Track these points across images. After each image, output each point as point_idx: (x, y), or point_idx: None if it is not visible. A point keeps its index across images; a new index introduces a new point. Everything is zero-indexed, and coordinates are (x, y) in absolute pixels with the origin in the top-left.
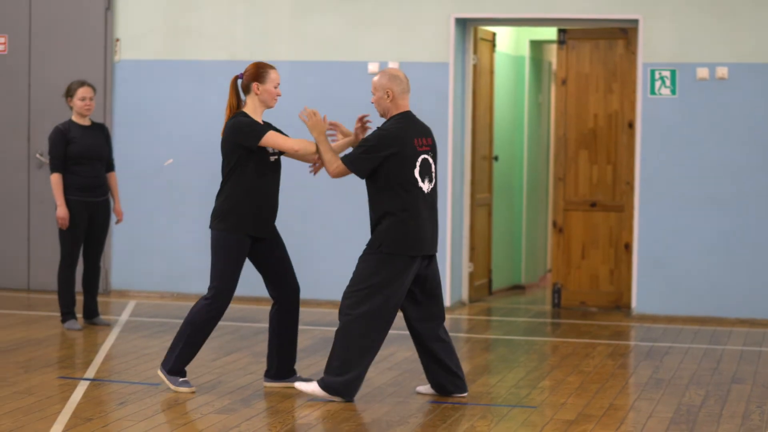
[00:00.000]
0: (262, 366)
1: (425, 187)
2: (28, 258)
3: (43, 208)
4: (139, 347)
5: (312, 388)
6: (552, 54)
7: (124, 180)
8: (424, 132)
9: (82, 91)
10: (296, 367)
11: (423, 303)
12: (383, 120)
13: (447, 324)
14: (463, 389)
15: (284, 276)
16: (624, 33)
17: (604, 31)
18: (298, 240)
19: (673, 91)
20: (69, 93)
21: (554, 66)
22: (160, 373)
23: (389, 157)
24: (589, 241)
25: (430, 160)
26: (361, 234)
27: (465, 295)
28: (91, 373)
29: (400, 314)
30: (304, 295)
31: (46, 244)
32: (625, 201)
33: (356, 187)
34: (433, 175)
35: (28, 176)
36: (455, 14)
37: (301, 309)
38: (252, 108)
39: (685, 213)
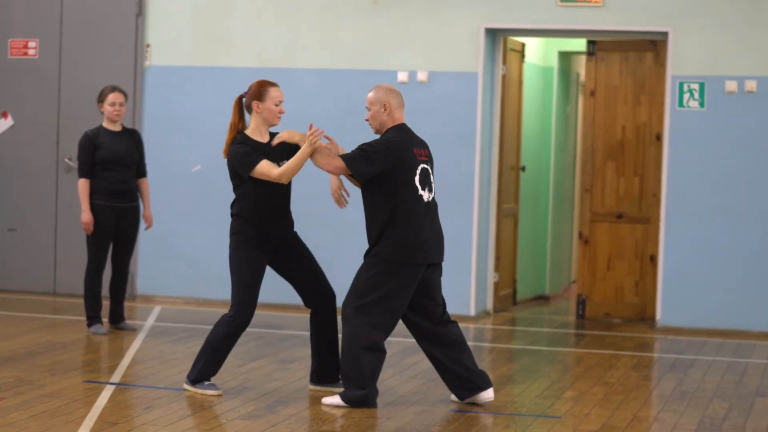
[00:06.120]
0: (288, 373)
1: (425, 196)
2: (55, 262)
3: (71, 213)
4: (164, 352)
5: (336, 401)
6: (580, 65)
7: (153, 185)
8: (421, 144)
9: (112, 97)
10: None
11: (421, 307)
12: (376, 136)
13: (471, 333)
14: (481, 388)
15: (313, 284)
16: (653, 45)
17: (633, 43)
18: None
19: (702, 104)
20: (100, 98)
21: (582, 77)
22: (186, 386)
23: (393, 166)
24: (615, 252)
25: (429, 170)
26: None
27: (489, 304)
28: (116, 377)
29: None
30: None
31: (72, 249)
32: (652, 213)
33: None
34: (432, 185)
35: (56, 180)
36: (485, 24)
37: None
38: (254, 127)
39: (711, 226)
